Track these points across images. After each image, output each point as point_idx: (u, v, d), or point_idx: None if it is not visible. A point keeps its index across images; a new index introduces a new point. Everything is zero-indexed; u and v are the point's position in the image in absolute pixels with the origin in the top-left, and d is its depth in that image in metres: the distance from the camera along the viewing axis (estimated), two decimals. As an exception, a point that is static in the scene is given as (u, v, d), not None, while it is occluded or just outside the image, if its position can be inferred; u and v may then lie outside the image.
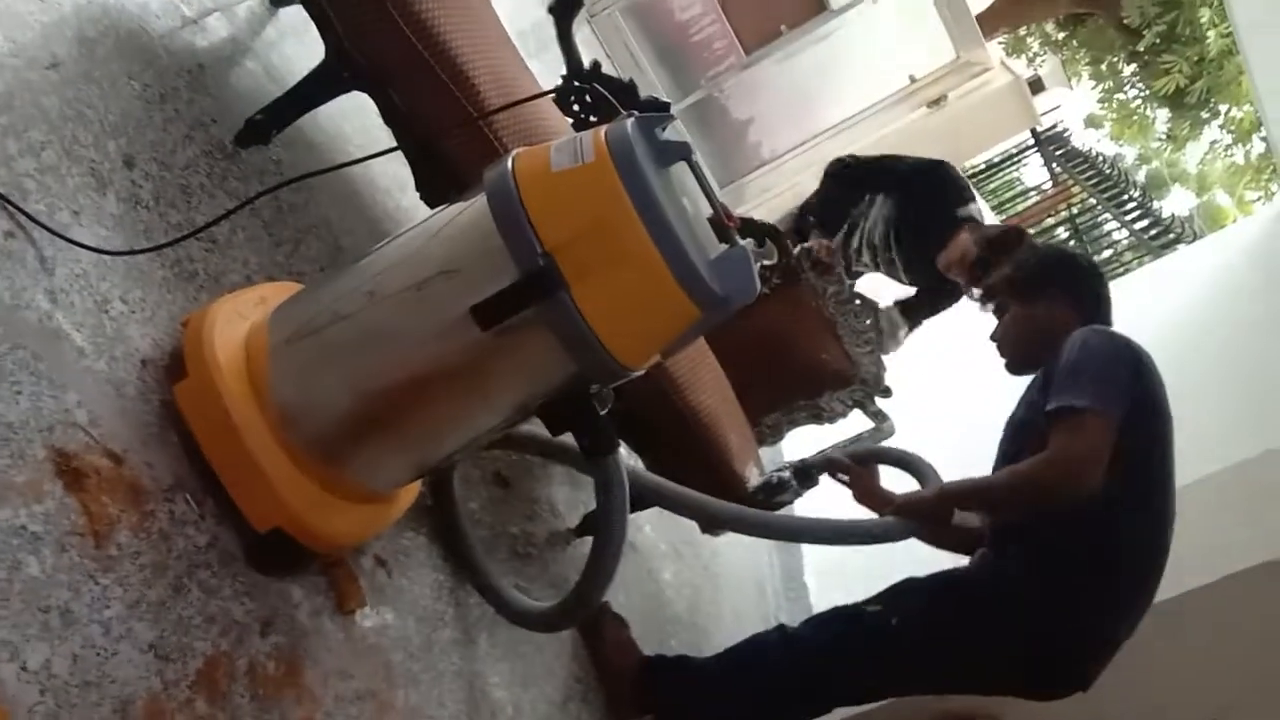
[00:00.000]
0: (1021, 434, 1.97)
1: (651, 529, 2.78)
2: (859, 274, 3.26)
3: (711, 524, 2.14)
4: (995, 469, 2.00)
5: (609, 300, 1.25)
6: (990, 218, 6.99)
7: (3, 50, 1.40)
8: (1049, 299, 2.04)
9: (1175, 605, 2.17)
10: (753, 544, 3.64)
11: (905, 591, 2.01)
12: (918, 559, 2.10)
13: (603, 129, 1.29)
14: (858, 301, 2.83)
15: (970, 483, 1.91)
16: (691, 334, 1.45)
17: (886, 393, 2.85)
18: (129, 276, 1.42)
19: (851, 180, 3.22)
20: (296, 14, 2.07)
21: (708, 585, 3.05)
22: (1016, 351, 2.10)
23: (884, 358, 2.86)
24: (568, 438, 1.49)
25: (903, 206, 3.08)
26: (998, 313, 2.15)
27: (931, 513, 1.89)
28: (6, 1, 1.46)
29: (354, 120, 2.26)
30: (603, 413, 1.44)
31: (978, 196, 3.08)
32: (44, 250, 1.30)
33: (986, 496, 1.89)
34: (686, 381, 2.10)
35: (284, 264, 1.77)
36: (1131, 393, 1.80)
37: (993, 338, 2.15)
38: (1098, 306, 2.04)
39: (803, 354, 2.79)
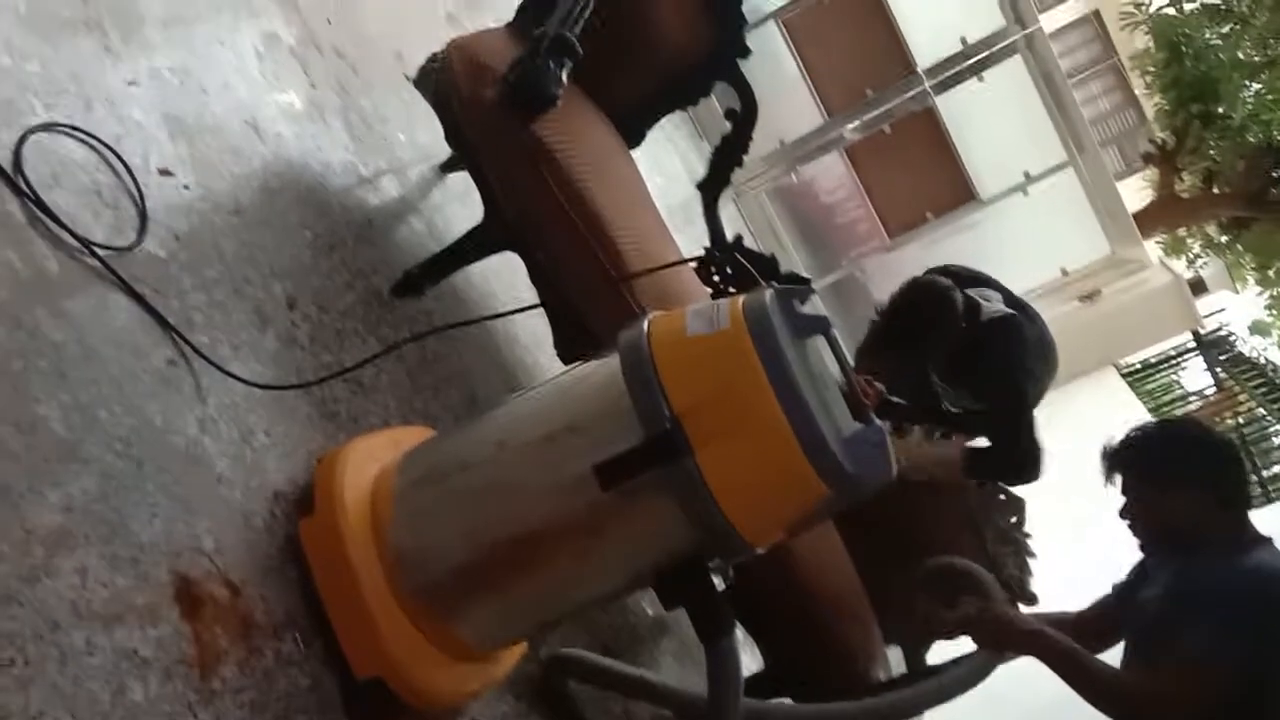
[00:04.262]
0: (1153, 626, 1.79)
1: None
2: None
3: None
4: (1127, 644, 1.84)
5: (735, 470, 1.21)
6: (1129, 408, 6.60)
7: (194, 195, 1.53)
8: (1182, 489, 1.85)
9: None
10: None
11: None
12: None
13: (740, 297, 1.29)
14: (1001, 496, 2.67)
15: (1070, 648, 1.76)
16: (819, 513, 1.38)
17: (1031, 599, 2.63)
18: (275, 411, 1.47)
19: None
20: (462, 180, 2.22)
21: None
22: (1151, 537, 1.92)
23: (1030, 561, 2.66)
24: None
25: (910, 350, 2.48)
26: (1125, 490, 1.96)
27: (1016, 647, 1.82)
28: (206, 154, 1.61)
29: (503, 278, 2.35)
30: (720, 590, 1.37)
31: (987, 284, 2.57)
32: (201, 380, 1.37)
33: (1078, 676, 1.75)
34: (811, 563, 1.99)
35: (421, 409, 1.82)
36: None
37: (1122, 515, 1.96)
38: (1237, 493, 1.87)
39: (937, 548, 2.62)
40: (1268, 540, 1.82)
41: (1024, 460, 2.47)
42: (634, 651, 2.23)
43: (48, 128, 1.34)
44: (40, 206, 1.26)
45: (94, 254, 1.29)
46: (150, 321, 1.33)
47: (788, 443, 1.19)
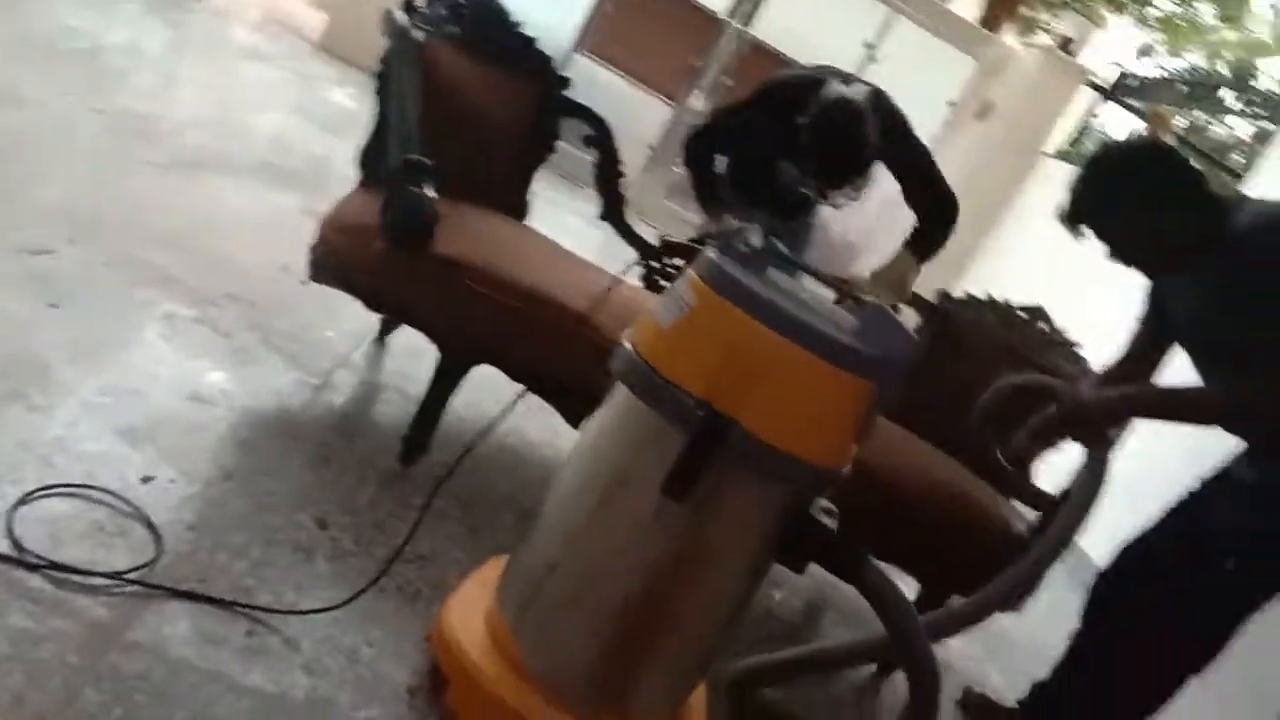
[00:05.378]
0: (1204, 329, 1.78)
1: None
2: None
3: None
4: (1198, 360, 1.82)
5: (779, 413, 1.22)
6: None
7: (180, 485, 1.55)
8: (1154, 206, 1.71)
9: None
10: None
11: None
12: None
13: (689, 270, 1.31)
14: (1021, 313, 2.69)
15: (1163, 391, 1.79)
16: (875, 408, 1.38)
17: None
18: (367, 619, 1.47)
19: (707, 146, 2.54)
20: (404, 336, 2.24)
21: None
22: (1148, 264, 1.80)
23: (1080, 352, 2.67)
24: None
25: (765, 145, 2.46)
26: (1101, 236, 1.79)
27: (1112, 417, 1.78)
28: (172, 444, 1.64)
29: (488, 397, 2.36)
30: (835, 530, 1.36)
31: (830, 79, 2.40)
32: (285, 632, 1.37)
33: (1187, 410, 1.75)
34: (894, 465, 2.00)
35: (489, 544, 1.82)
36: None
37: (1112, 258, 1.81)
38: (1201, 186, 1.72)
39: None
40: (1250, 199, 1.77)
41: (951, 204, 2.52)
42: (806, 644, 2.21)
43: (24, 501, 1.35)
44: (58, 569, 1.27)
45: (129, 581, 1.30)
46: (211, 609, 1.34)
47: (807, 360, 1.20)
